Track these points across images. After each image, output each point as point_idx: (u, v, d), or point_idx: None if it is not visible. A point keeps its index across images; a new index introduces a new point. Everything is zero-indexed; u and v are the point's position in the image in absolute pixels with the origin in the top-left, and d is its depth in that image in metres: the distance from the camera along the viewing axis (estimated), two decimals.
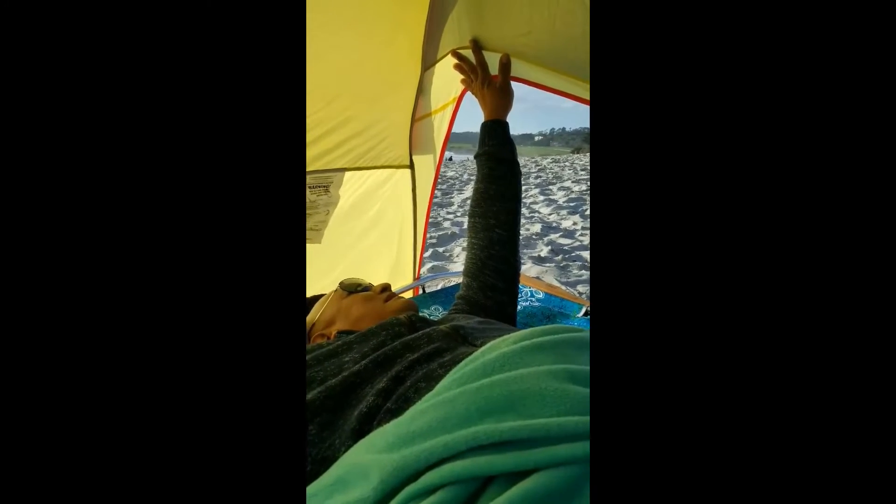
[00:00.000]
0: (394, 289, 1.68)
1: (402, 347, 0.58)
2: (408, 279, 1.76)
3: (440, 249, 4.66)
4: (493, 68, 1.06)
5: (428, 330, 0.61)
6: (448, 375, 0.42)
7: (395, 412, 0.46)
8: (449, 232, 5.43)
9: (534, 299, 1.59)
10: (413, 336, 0.60)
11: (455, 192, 9.61)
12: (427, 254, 4.42)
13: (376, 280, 1.59)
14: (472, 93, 1.12)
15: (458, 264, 4.09)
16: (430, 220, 1.74)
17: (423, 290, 1.81)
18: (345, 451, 0.44)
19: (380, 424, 0.45)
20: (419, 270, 1.81)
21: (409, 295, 1.76)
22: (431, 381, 0.48)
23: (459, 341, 0.59)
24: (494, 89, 1.04)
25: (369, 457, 0.35)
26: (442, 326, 0.63)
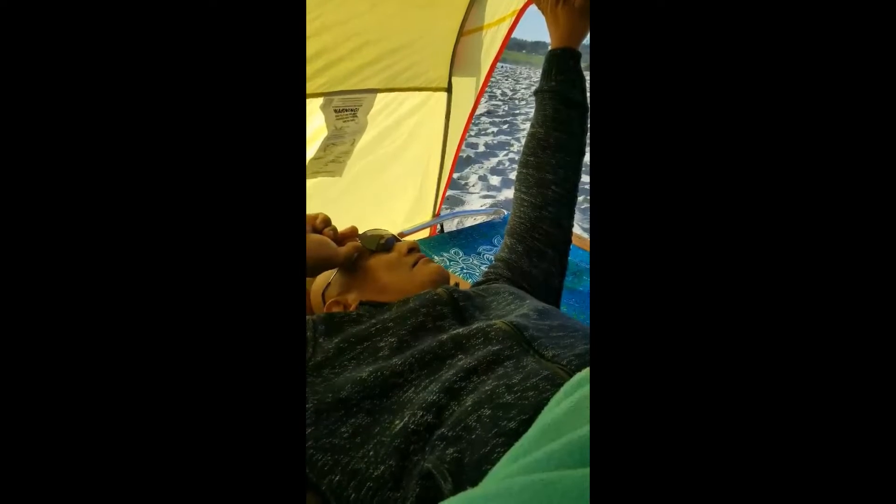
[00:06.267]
0: (411, 226, 1.60)
1: (452, 346, 0.51)
2: (427, 216, 1.61)
3: (454, 176, 4.43)
4: None
5: (483, 325, 0.53)
6: (534, 433, 0.32)
7: (454, 441, 0.41)
8: (463, 156, 5.15)
9: None
10: (465, 332, 0.53)
11: None
12: None
13: (394, 219, 1.43)
14: (540, 8, 0.88)
15: (475, 196, 3.90)
16: None
17: (441, 229, 1.68)
18: (384, 470, 0.41)
19: (433, 452, 0.40)
20: (440, 207, 1.66)
21: (426, 234, 1.63)
22: (499, 409, 0.42)
23: (524, 347, 0.50)
24: (571, 8, 0.82)
25: None
26: (499, 323, 0.53)
